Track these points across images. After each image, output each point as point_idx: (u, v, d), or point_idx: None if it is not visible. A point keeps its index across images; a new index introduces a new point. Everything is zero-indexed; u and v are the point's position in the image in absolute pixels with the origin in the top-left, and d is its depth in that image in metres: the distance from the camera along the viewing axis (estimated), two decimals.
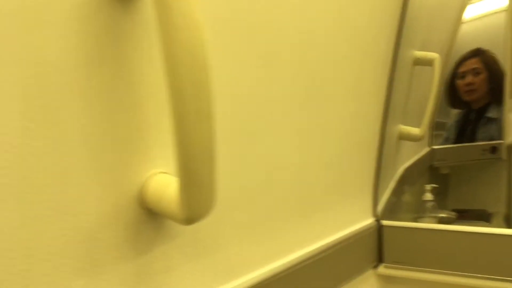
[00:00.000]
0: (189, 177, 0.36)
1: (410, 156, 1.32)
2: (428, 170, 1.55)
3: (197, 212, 0.38)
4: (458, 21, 1.48)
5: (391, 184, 1.06)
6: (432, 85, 1.06)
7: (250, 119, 0.52)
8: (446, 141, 1.56)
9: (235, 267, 0.52)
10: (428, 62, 1.07)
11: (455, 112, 1.54)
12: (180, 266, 0.45)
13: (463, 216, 1.50)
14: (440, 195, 1.49)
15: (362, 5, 0.71)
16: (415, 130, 1.08)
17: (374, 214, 0.88)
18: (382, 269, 0.85)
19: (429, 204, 1.40)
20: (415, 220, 1.37)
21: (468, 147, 1.54)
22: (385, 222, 0.86)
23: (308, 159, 0.65)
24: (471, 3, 1.51)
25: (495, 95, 1.46)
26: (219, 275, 0.50)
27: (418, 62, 1.08)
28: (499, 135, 1.48)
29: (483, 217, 1.51)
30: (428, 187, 1.41)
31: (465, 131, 1.53)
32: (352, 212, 0.80)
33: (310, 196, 0.67)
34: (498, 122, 1.47)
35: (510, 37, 1.49)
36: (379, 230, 0.86)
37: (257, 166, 0.54)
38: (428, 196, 1.40)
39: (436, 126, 1.55)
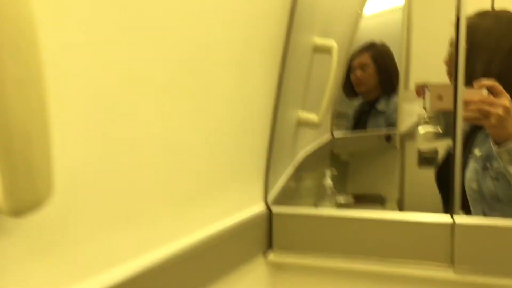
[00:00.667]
0: (10, 158, 0.30)
1: (312, 143, 1.35)
2: (329, 157, 1.60)
3: (25, 201, 0.32)
4: (359, 13, 1.53)
5: (289, 170, 1.05)
6: (330, 72, 1.07)
7: (113, 92, 0.46)
8: (345, 130, 1.63)
9: (95, 262, 0.46)
10: (327, 50, 1.08)
11: (356, 103, 1.62)
12: (17, 265, 0.38)
13: (360, 200, 1.58)
14: (340, 181, 1.55)
15: None
16: (313, 117, 1.08)
17: (265, 200, 0.86)
18: (271, 257, 0.84)
19: (328, 190, 1.46)
20: (314, 205, 1.41)
21: (366, 136, 1.62)
22: (275, 209, 0.85)
23: (189, 141, 0.60)
24: None
25: (385, 88, 1.55)
26: (71, 273, 0.43)
27: (318, 49, 1.08)
28: (386, 126, 1.59)
29: (379, 201, 1.61)
30: (328, 173, 1.46)
31: (360, 121, 1.62)
32: (241, 198, 0.77)
33: (192, 180, 0.62)
34: (385, 114, 1.58)
35: (406, 34, 1.59)
36: (269, 217, 0.84)
37: (122, 146, 0.48)
38: (328, 181, 1.45)
39: (339, 115, 1.61)
